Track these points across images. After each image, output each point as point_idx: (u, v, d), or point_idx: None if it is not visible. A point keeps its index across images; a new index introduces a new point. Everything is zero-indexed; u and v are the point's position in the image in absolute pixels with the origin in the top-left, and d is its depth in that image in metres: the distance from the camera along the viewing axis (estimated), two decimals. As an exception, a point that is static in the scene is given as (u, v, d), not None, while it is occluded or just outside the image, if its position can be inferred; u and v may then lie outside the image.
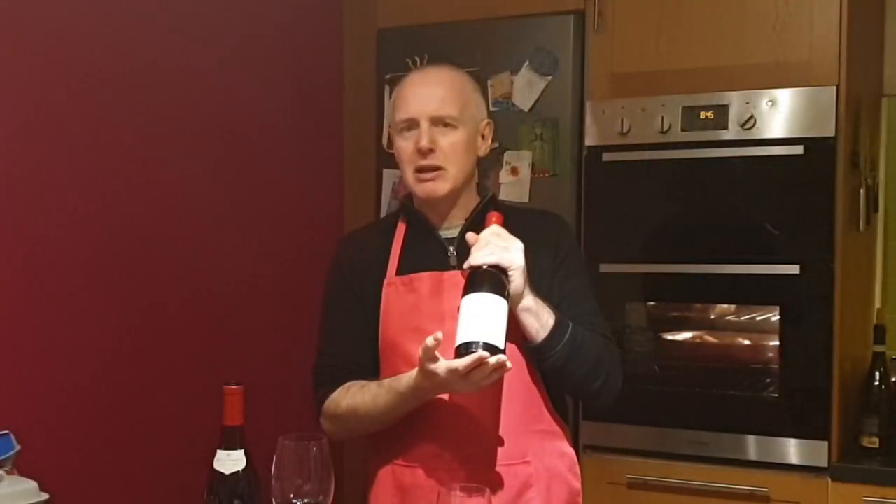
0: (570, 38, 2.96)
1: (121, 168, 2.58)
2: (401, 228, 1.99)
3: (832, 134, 2.63)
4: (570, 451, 1.99)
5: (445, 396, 1.85)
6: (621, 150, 2.87)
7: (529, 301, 1.80)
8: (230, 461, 1.61)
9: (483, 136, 1.97)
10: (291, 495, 1.55)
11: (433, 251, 1.93)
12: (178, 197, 2.75)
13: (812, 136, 2.65)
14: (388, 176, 3.21)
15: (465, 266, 1.77)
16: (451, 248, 1.93)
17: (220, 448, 1.61)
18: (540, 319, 1.82)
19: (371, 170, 3.28)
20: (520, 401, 1.89)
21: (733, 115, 2.73)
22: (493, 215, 1.83)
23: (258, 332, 3.03)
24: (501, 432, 1.87)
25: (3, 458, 1.95)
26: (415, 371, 1.75)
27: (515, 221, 1.95)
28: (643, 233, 2.87)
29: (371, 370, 1.94)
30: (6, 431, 1.98)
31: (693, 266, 2.80)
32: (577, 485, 1.98)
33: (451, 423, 1.85)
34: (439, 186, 1.90)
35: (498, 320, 1.69)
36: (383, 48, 3.23)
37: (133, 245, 2.61)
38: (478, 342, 1.66)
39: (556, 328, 1.82)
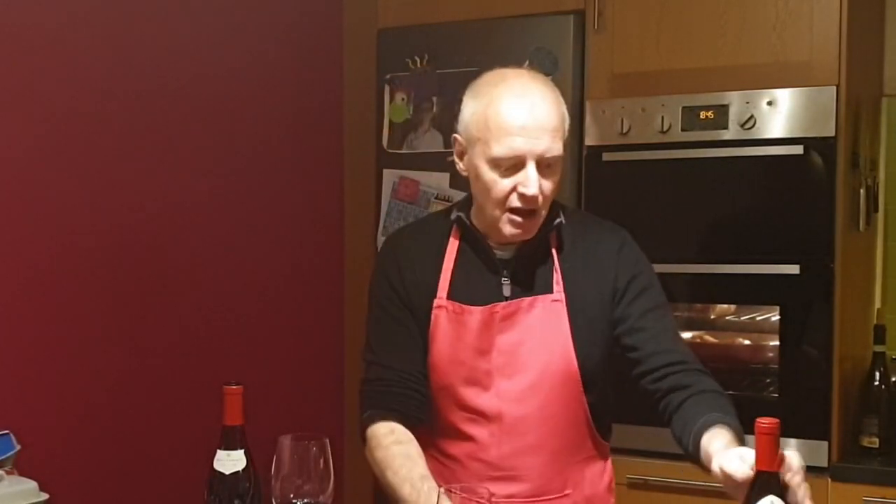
0: (570, 38, 2.96)
1: (119, 166, 2.58)
2: (453, 244, 1.84)
3: (832, 134, 2.63)
4: (609, 467, 1.93)
5: (487, 433, 1.80)
6: (621, 150, 2.87)
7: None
8: (230, 461, 1.61)
9: None
10: (291, 495, 1.55)
11: (486, 275, 1.81)
12: (178, 197, 2.75)
13: (812, 136, 2.64)
14: (388, 176, 3.21)
15: None
16: (506, 274, 1.81)
17: (220, 448, 1.62)
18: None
19: (371, 170, 3.28)
20: (565, 435, 1.83)
21: (733, 115, 2.73)
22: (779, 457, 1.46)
23: (258, 332, 3.03)
24: (543, 467, 1.81)
25: (3, 458, 1.95)
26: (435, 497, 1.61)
27: (579, 241, 1.84)
28: (643, 233, 2.83)
29: (425, 387, 1.82)
30: (6, 431, 1.98)
31: (693, 266, 2.80)
32: (613, 500, 1.94)
33: (493, 458, 1.81)
34: (531, 230, 1.76)
35: None
36: (383, 48, 3.23)
37: (132, 245, 2.61)
38: None
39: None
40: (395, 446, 1.75)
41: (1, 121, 2.28)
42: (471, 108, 1.76)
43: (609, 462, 1.94)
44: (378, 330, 1.87)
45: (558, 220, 1.82)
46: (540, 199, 1.72)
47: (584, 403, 1.82)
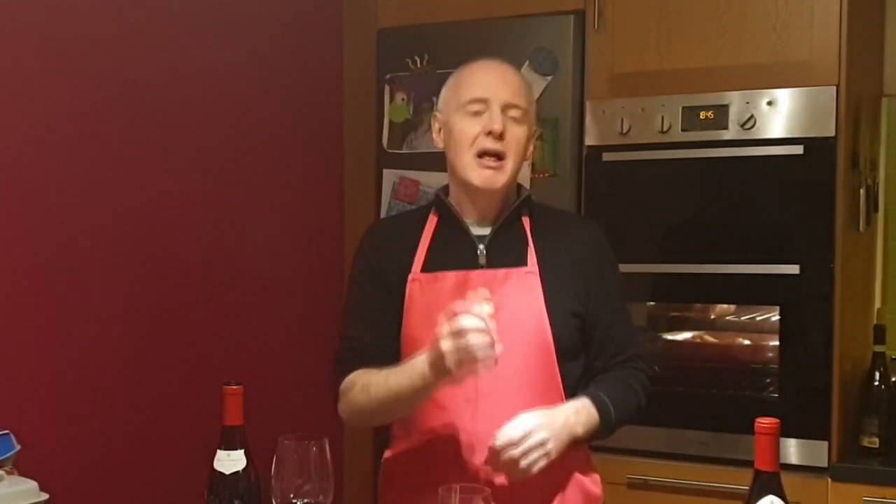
0: (570, 38, 2.96)
1: (118, 167, 2.57)
2: (431, 221, 1.94)
3: (832, 134, 2.63)
4: (585, 453, 1.96)
5: (462, 399, 1.82)
6: (621, 150, 2.87)
7: (578, 430, 1.81)
8: (230, 461, 1.61)
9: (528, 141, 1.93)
10: (291, 495, 1.55)
11: (462, 248, 1.89)
12: (178, 197, 2.75)
13: (812, 136, 2.65)
14: (388, 176, 3.21)
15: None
16: (482, 247, 1.89)
17: (220, 448, 1.62)
18: (588, 427, 1.83)
19: (371, 170, 3.28)
20: (539, 405, 1.82)
21: (733, 115, 2.73)
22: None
23: (258, 332, 3.03)
24: None
25: (3, 458, 1.95)
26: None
27: (553, 226, 1.94)
28: (643, 233, 2.87)
29: (395, 359, 1.86)
30: (6, 431, 1.98)
31: (693, 266, 2.80)
32: (591, 484, 1.97)
33: (467, 427, 1.83)
34: (499, 178, 1.85)
35: None
36: (383, 48, 3.23)
37: (132, 245, 2.61)
38: None
39: (602, 426, 1.86)
40: (373, 376, 1.82)
41: (2, 120, 2.28)
42: (446, 86, 1.94)
43: (586, 450, 1.96)
44: (353, 306, 1.97)
45: (528, 194, 1.95)
46: (506, 141, 1.84)
47: (558, 376, 1.86)
